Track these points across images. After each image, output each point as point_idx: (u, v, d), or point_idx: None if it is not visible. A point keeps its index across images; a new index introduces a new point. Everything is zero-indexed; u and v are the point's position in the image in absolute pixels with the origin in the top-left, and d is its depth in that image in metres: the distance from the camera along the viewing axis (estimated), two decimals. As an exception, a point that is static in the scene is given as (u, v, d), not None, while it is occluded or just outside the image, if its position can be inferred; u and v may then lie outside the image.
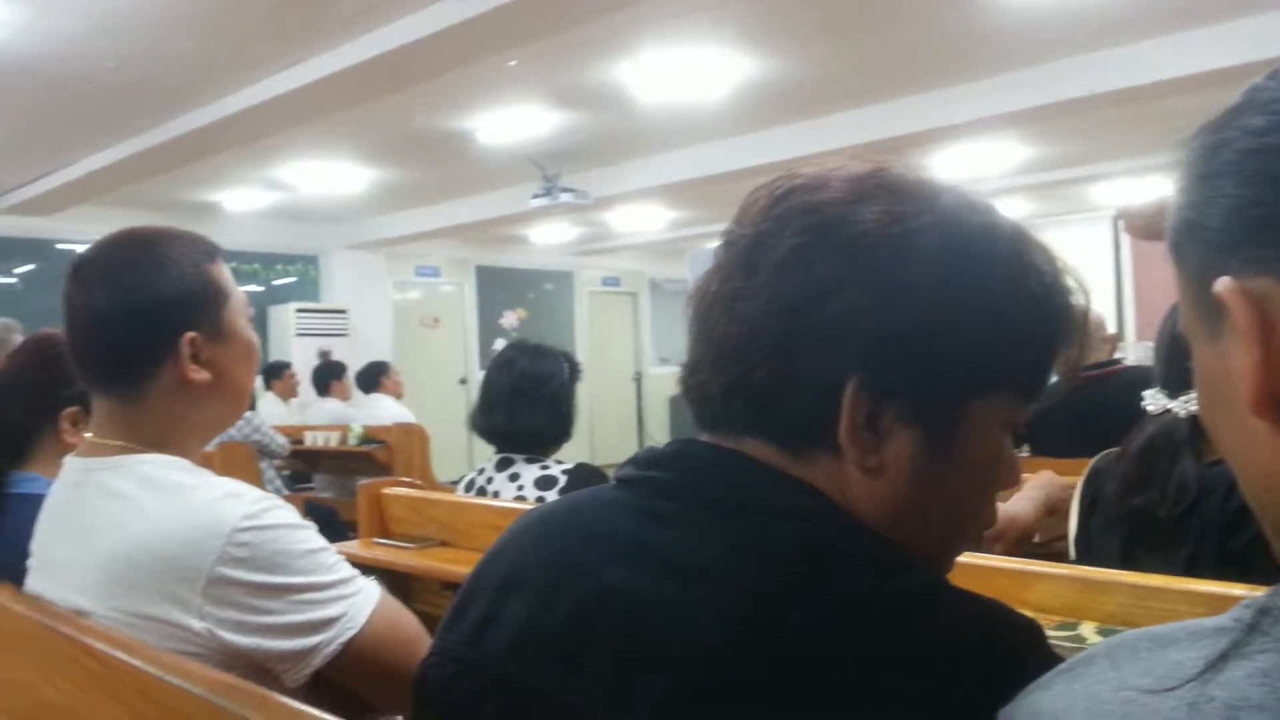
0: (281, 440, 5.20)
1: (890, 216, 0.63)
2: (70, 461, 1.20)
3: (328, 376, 6.37)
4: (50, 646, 1.06)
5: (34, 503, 1.41)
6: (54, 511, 1.20)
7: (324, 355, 7.58)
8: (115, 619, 1.04)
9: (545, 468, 2.15)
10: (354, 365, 6.57)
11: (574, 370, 2.23)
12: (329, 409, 6.10)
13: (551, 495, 2.08)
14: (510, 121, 5.70)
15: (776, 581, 0.59)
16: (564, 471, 2.13)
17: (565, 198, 6.70)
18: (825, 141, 5.68)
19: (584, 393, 2.28)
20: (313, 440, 5.46)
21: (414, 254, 9.95)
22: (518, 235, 9.89)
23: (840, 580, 0.59)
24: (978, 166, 6.73)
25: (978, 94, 5.26)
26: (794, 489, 0.63)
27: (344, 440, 5.30)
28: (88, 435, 1.21)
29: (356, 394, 6.28)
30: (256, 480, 4.17)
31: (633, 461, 0.72)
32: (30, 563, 1.23)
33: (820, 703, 0.54)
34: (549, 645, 0.64)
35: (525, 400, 2.14)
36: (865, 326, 0.61)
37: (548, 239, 10.07)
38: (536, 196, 6.79)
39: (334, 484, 5.65)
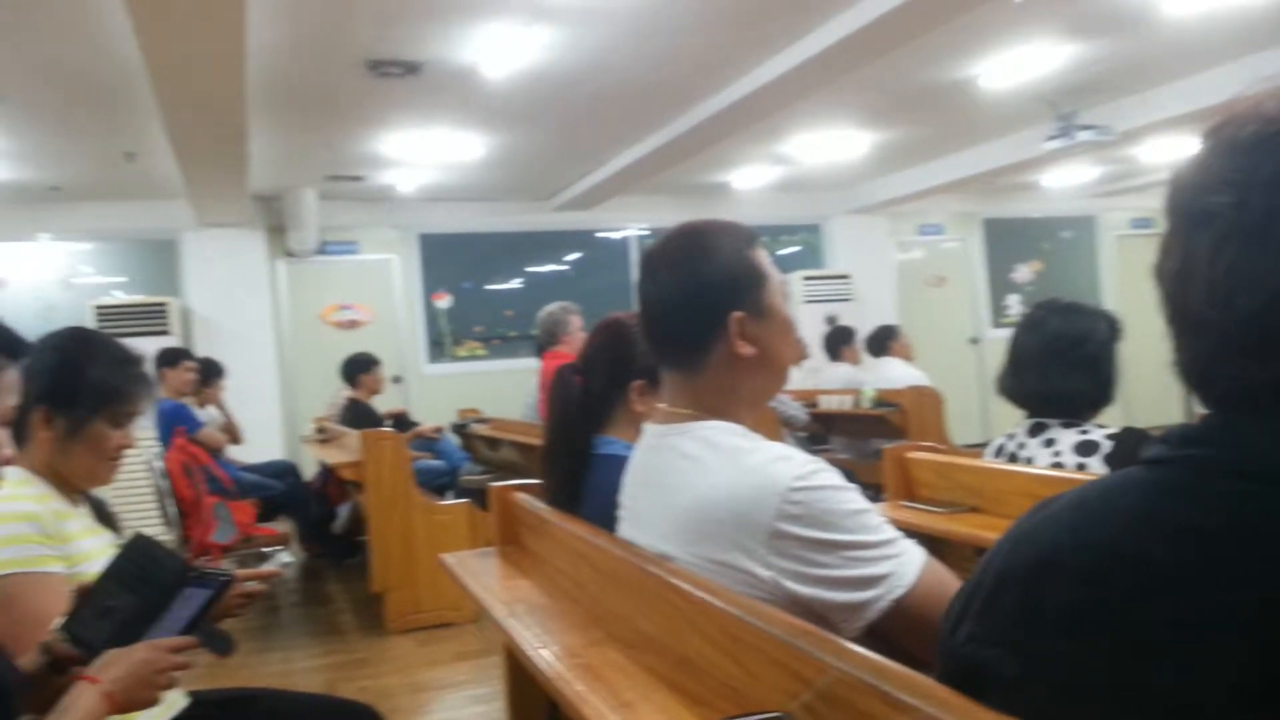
0: (798, 411, 5.47)
1: None
2: (648, 427, 1.39)
3: (838, 342, 6.55)
4: (643, 585, 1.24)
5: (615, 463, 1.66)
6: (637, 470, 1.41)
7: (831, 321, 7.81)
8: (695, 564, 1.19)
9: (1085, 432, 2.00)
10: (859, 329, 6.68)
11: (1114, 329, 2.05)
12: (840, 373, 6.27)
13: (1093, 462, 1.94)
14: (1017, 62, 5.35)
15: None
16: (1107, 436, 1.97)
17: (1084, 136, 6.13)
18: None
19: (1121, 352, 2.09)
20: (826, 404, 5.67)
21: (916, 213, 9.80)
22: (1027, 182, 9.27)
23: None
24: None
25: None
26: None
27: (856, 404, 5.43)
28: (659, 405, 1.38)
29: (865, 358, 6.38)
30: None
31: (1165, 440, 0.68)
32: (620, 513, 1.45)
33: None
34: (1103, 630, 0.63)
35: (1059, 362, 2.01)
36: None
37: (1063, 183, 9.29)
38: (1051, 138, 6.31)
39: (850, 446, 5.82)
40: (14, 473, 1.60)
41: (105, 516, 1.81)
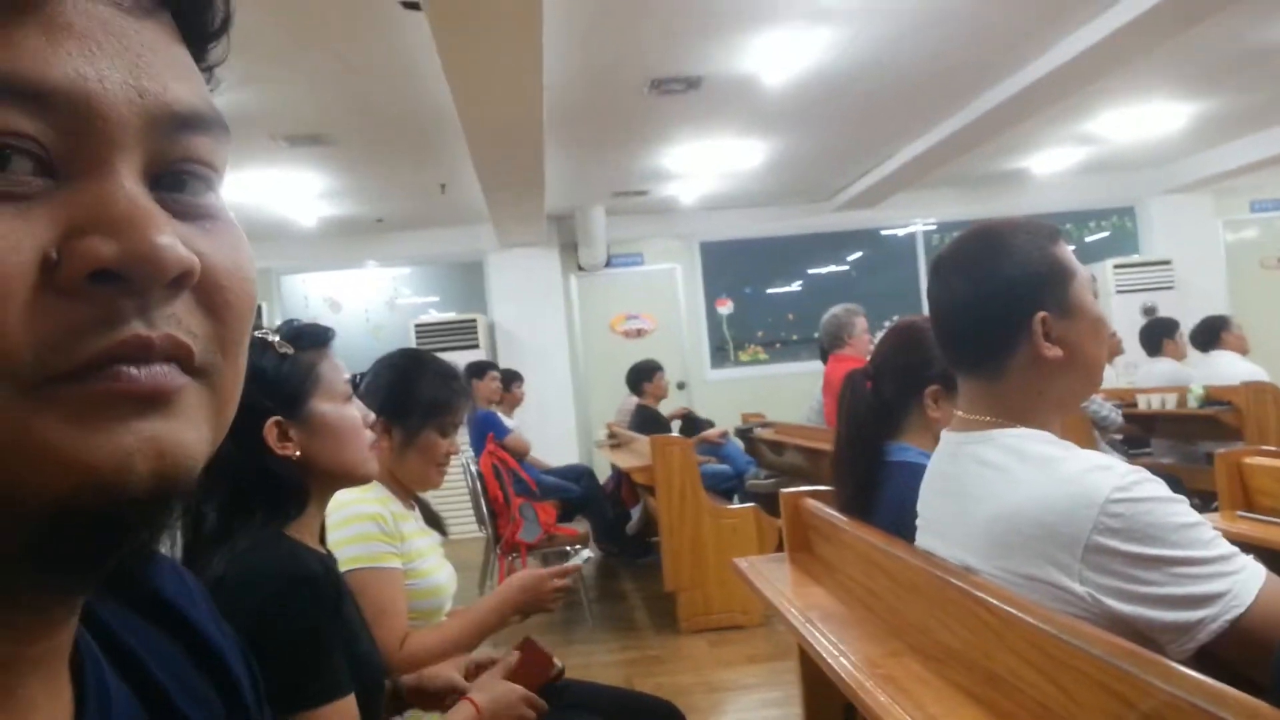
0: (1110, 413, 5.02)
1: None
2: (946, 435, 1.35)
3: (1158, 334, 5.95)
4: (944, 596, 1.20)
5: (909, 470, 1.62)
6: (936, 479, 1.36)
7: (1149, 311, 7.12)
8: (1000, 577, 1.14)
9: None
10: (1183, 319, 6.04)
11: None
12: (1162, 369, 5.70)
13: None
14: (1374, 7, 4.63)
15: None
16: None
17: None
18: None
19: None
20: (1146, 403, 5.17)
21: (1248, 188, 8.72)
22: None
23: None
24: None
25: None
26: None
27: (1182, 402, 4.92)
28: (957, 412, 1.34)
29: (1192, 352, 5.76)
30: (1092, 449, 4.11)
31: None
32: (919, 523, 1.41)
33: None
34: None
35: None
36: None
37: None
38: None
39: (1174, 449, 5.28)
40: None
41: (432, 518, 2.01)
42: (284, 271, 8.40)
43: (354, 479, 1.42)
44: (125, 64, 0.36)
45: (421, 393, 1.90)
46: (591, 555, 1.83)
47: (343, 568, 1.52)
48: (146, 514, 0.36)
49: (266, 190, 6.23)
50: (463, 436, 5.85)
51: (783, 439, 5.67)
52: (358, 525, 1.76)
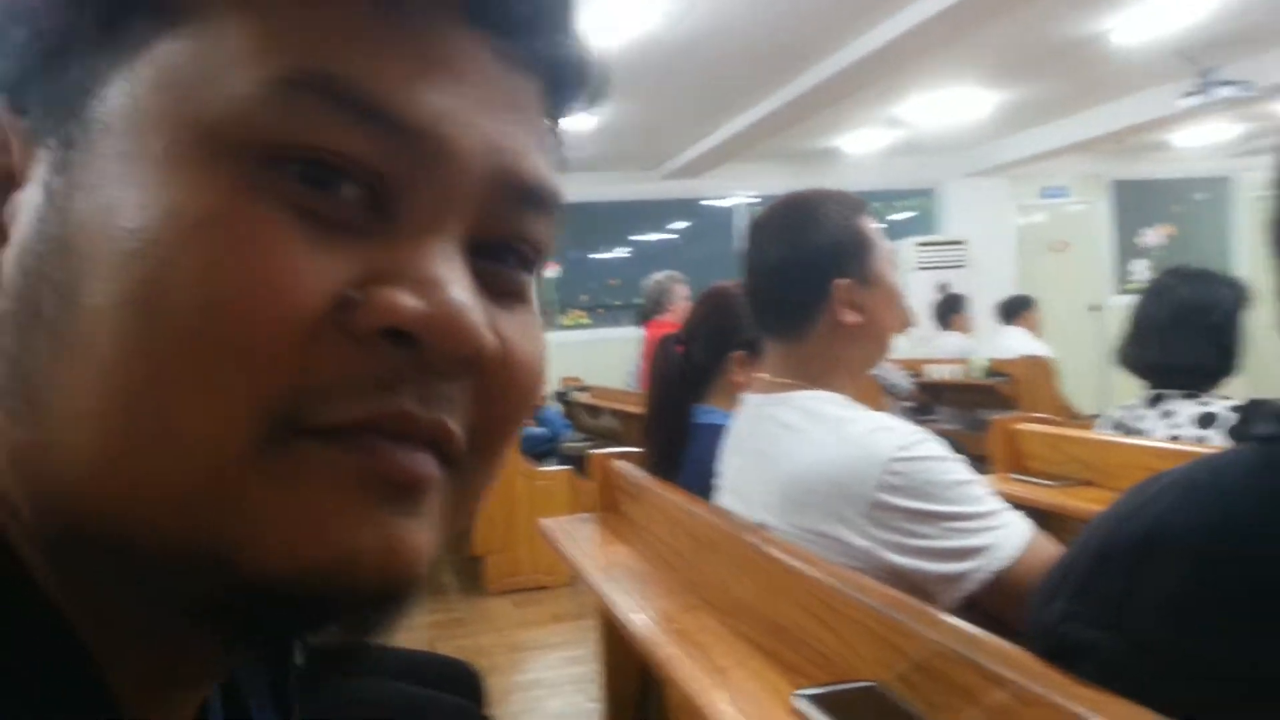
0: (902, 380, 5.34)
1: None
2: (748, 397, 1.39)
3: (948, 310, 6.39)
4: (739, 553, 1.24)
5: (714, 432, 1.66)
6: (736, 439, 1.40)
7: (943, 288, 7.59)
8: (792, 534, 1.19)
9: (1206, 404, 1.91)
10: (975, 297, 6.48)
11: (1243, 297, 1.94)
12: (950, 342, 6.11)
13: (1214, 434, 1.85)
14: (1152, 15, 5.06)
15: None
16: (1231, 409, 1.87)
17: (1225, 92, 5.77)
18: None
19: (1248, 321, 1.97)
20: (934, 373, 5.54)
21: (1039, 175, 9.41)
22: (1158, 141, 8.78)
23: None
24: None
25: None
26: None
27: (966, 374, 5.29)
28: (760, 375, 1.38)
29: (983, 326, 6.20)
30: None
31: (1276, 416, 0.64)
32: (718, 482, 1.45)
33: None
34: (1215, 614, 0.61)
35: (1183, 331, 1.92)
36: None
37: (1197, 142, 8.78)
38: (1187, 95, 5.95)
39: (957, 416, 5.68)
40: None
41: None
42: None
43: None
44: (493, 117, 0.32)
45: None
46: None
47: None
48: (352, 613, 0.31)
49: None
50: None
51: (599, 403, 5.72)
52: None
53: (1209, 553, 0.62)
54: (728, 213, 9.16)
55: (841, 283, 1.26)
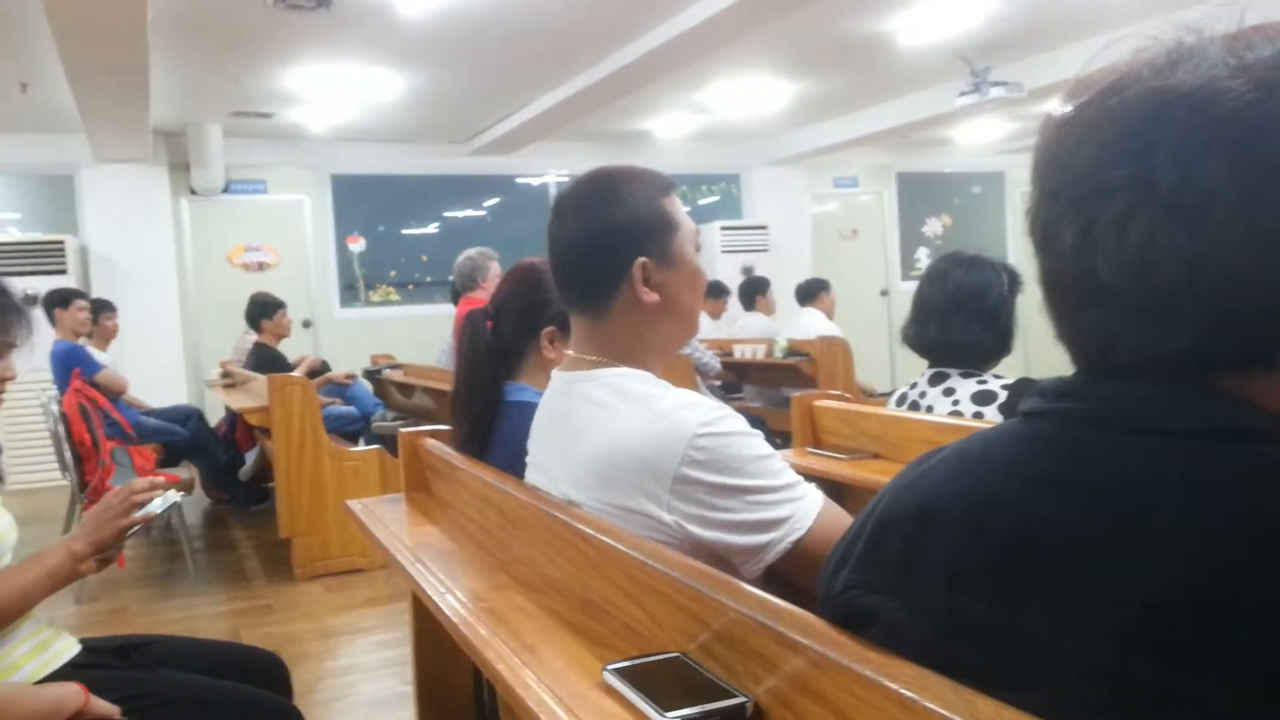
0: (711, 360, 5.52)
1: None
2: (556, 374, 1.39)
3: (752, 291, 6.63)
4: (548, 530, 1.25)
5: (525, 409, 1.65)
6: (545, 417, 1.40)
7: (747, 271, 7.87)
8: (600, 510, 1.20)
9: (983, 382, 2.08)
10: (775, 280, 6.75)
11: (1014, 282, 2.12)
12: (754, 323, 6.35)
13: (990, 410, 2.02)
14: (934, 17, 5.41)
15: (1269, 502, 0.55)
16: (1004, 386, 2.04)
17: (996, 92, 6.25)
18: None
19: (1020, 304, 2.16)
20: (741, 353, 5.74)
21: (832, 165, 9.90)
22: (940, 137, 9.43)
23: None
24: None
25: None
26: (1249, 411, 0.60)
27: (770, 353, 5.52)
28: (568, 352, 1.38)
29: (785, 308, 6.47)
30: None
31: (1040, 394, 0.69)
32: (528, 459, 1.45)
33: None
34: (981, 576, 0.64)
35: (960, 314, 2.07)
36: None
37: (975, 139, 9.49)
38: (963, 94, 6.42)
39: (762, 394, 5.92)
40: None
41: None
42: None
43: None
44: None
45: None
46: (177, 498, 1.65)
47: None
48: None
49: None
50: (46, 373, 5.17)
51: (411, 380, 5.59)
52: None
53: (978, 521, 0.66)
54: (541, 191, 9.12)
55: (641, 261, 1.28)
